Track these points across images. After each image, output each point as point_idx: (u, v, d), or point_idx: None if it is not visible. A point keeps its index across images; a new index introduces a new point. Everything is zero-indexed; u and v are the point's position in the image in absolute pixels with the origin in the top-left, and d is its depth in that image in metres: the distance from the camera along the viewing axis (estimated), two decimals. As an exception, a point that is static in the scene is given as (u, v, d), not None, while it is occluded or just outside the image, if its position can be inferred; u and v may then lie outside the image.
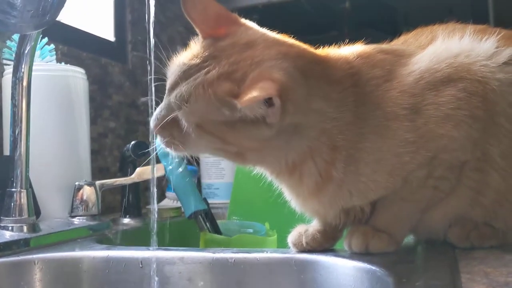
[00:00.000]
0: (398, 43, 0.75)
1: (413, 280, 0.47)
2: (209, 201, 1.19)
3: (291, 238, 0.71)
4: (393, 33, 0.78)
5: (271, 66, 0.57)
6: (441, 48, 0.66)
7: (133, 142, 1.13)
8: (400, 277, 0.49)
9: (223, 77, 0.58)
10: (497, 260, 0.56)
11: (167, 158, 1.06)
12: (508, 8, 1.94)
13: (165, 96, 0.62)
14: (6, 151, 0.95)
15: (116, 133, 1.49)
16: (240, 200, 1.32)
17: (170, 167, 1.03)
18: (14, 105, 0.83)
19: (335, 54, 0.66)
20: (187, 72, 0.59)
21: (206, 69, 0.59)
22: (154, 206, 0.72)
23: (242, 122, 0.57)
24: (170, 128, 0.60)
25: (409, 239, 0.72)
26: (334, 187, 0.63)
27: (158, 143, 0.63)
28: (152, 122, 0.62)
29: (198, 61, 0.60)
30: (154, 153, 0.69)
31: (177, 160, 1.05)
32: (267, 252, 0.70)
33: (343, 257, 0.64)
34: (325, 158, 0.61)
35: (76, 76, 1.09)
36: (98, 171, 1.37)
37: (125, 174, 1.13)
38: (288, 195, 0.69)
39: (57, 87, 1.05)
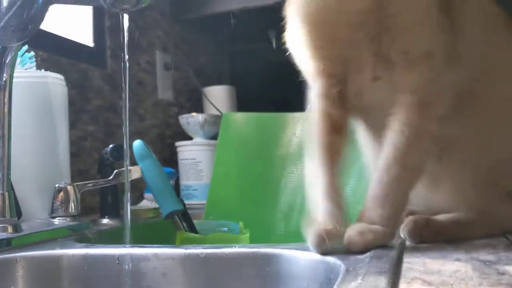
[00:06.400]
0: None
1: (358, 268, 0.53)
2: (188, 202, 1.23)
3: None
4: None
5: None
6: None
7: (111, 145, 1.15)
8: (348, 267, 0.55)
9: None
10: (438, 252, 0.62)
11: (144, 160, 1.10)
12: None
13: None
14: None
15: (95, 137, 1.53)
16: (216, 201, 1.37)
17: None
18: (-4, 112, 0.86)
19: None
20: None
21: None
22: (128, 206, 0.76)
23: None
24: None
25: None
26: None
27: None
28: None
29: None
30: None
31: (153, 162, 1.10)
32: (235, 247, 0.75)
33: (303, 249, 0.68)
34: None
35: (55, 83, 1.13)
36: (78, 173, 1.40)
37: (104, 176, 1.16)
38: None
39: (37, 94, 1.09)
